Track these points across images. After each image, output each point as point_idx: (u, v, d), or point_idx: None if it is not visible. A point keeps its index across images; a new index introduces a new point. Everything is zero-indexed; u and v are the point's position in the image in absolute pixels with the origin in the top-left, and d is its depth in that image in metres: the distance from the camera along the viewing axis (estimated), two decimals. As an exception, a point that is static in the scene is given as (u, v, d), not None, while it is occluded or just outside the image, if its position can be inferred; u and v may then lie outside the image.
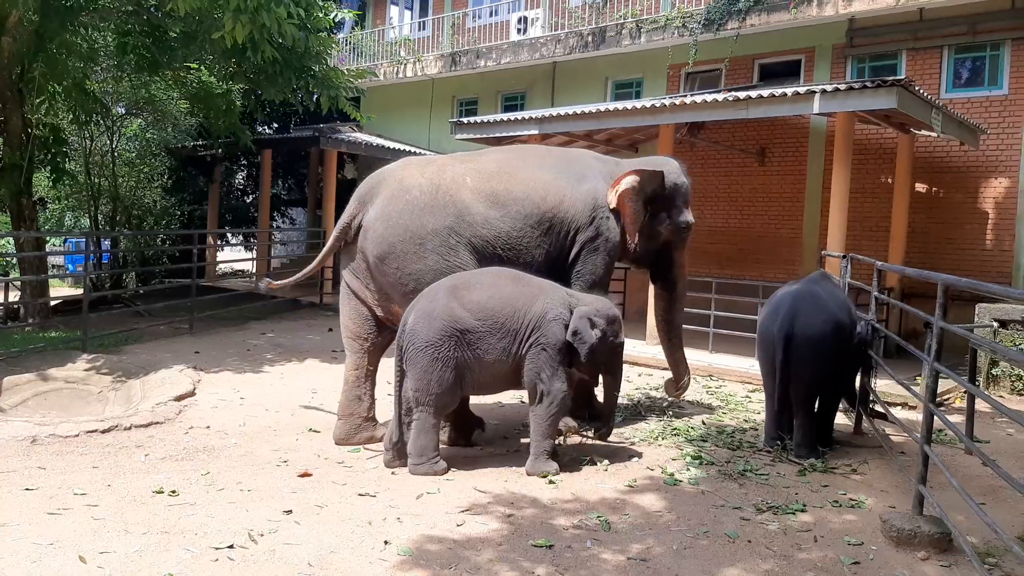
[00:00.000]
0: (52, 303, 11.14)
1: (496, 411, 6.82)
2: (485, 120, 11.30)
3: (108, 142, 14.37)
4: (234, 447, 5.60)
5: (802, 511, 4.51)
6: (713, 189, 12.20)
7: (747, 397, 7.64)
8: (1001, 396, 7.78)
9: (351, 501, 4.49)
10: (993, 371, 7.97)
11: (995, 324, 7.96)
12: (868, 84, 7.70)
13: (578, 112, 9.81)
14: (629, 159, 6.94)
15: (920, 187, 10.49)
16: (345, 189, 11.99)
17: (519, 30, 14.65)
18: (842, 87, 7.89)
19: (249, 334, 10.50)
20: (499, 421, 6.52)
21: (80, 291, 11.51)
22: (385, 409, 5.73)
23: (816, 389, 5.53)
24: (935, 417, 4.17)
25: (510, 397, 6.88)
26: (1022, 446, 6.20)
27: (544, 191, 5.77)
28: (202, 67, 12.02)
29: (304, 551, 3.76)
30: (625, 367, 6.11)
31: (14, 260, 14.14)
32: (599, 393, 6.01)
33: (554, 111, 10.29)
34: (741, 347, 9.01)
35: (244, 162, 18.89)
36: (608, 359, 5.30)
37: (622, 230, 6.08)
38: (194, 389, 7.16)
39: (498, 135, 11.00)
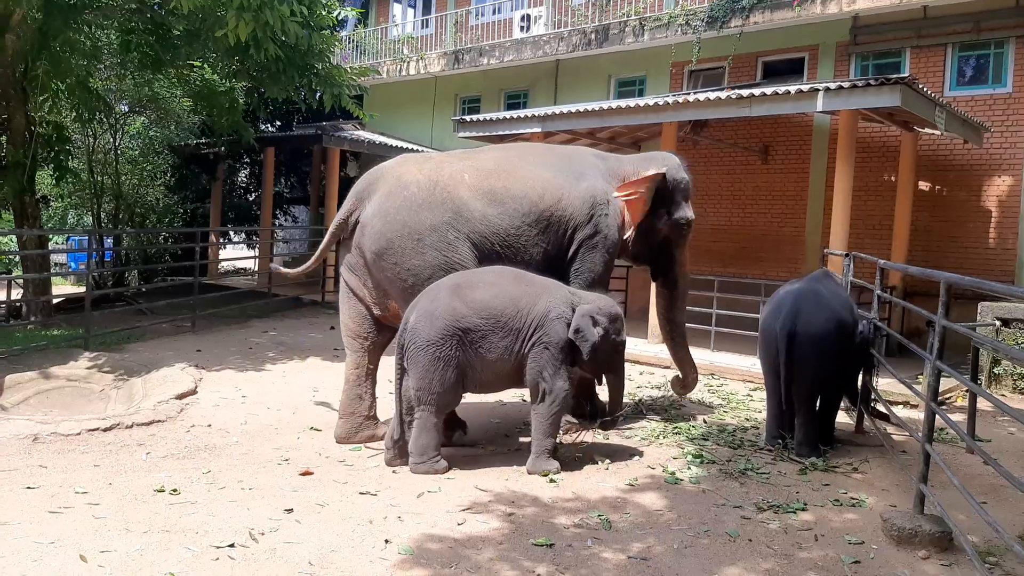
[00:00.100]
0: (54, 301, 11.14)
1: (497, 409, 6.82)
2: (488, 118, 11.30)
3: (111, 140, 14.40)
4: (235, 445, 5.60)
5: (803, 510, 4.50)
6: (716, 187, 12.19)
7: (749, 396, 7.63)
8: (1003, 395, 7.76)
9: (352, 500, 4.49)
10: (995, 370, 7.96)
11: (997, 323, 7.95)
12: (872, 82, 7.68)
13: (581, 110, 9.80)
14: (629, 155, 6.93)
15: (923, 185, 10.47)
16: (348, 187, 11.87)
17: (522, 28, 14.64)
18: (846, 85, 7.87)
19: (251, 332, 10.51)
20: (500, 419, 6.52)
21: (82, 289, 11.51)
22: (386, 408, 5.73)
23: (818, 388, 5.52)
24: (937, 416, 4.16)
25: (511, 396, 6.88)
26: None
27: (543, 189, 5.76)
28: (205, 65, 12.02)
29: (305, 550, 3.76)
30: (627, 366, 6.10)
31: (17, 258, 14.17)
32: (599, 392, 6.02)
33: (557, 109, 10.28)
34: (743, 345, 9.01)
35: (247, 160, 18.90)
36: (610, 357, 5.30)
37: (620, 228, 6.07)
38: (196, 387, 7.16)
39: (501, 133, 10.99)
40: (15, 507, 4.18)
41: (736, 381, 8.31)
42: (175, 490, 4.53)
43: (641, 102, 9.65)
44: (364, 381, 5.76)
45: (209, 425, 6.11)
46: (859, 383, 6.16)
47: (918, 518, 4.08)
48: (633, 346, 8.15)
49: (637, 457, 5.48)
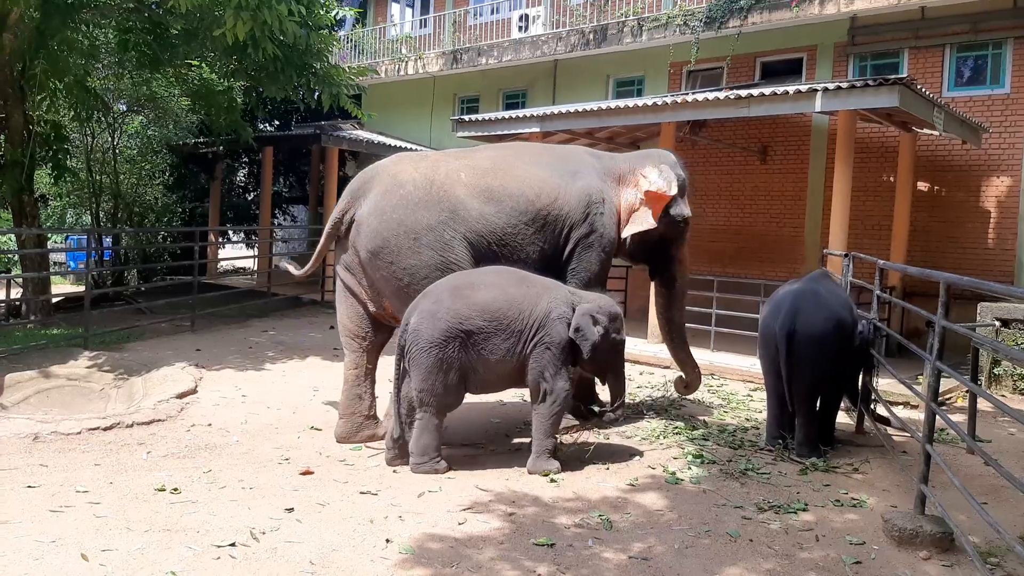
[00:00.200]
0: (54, 300, 11.13)
1: (497, 409, 6.82)
2: (486, 118, 11.30)
3: (109, 139, 14.36)
4: (236, 445, 5.60)
5: (804, 510, 4.51)
6: (715, 187, 12.19)
7: (749, 396, 7.63)
8: (1003, 395, 7.77)
9: (353, 499, 4.49)
10: (995, 370, 7.97)
11: (997, 323, 7.96)
12: (870, 82, 7.68)
13: (579, 110, 9.79)
14: (624, 153, 6.92)
15: (922, 186, 10.48)
16: (346, 187, 11.97)
17: (520, 28, 14.64)
18: (844, 85, 7.88)
19: (251, 331, 10.50)
20: (500, 419, 6.52)
21: (82, 288, 11.49)
22: (387, 407, 5.73)
23: (818, 388, 5.53)
24: (937, 416, 4.16)
25: (511, 396, 6.88)
26: (1024, 445, 6.21)
27: (539, 187, 5.76)
28: (203, 64, 12.01)
29: (306, 549, 3.76)
30: (627, 365, 6.11)
31: (16, 257, 14.14)
32: (600, 392, 6.03)
33: (555, 109, 10.28)
34: (742, 346, 9.01)
35: (245, 159, 18.88)
36: (610, 356, 5.30)
37: (617, 226, 6.08)
38: (196, 387, 7.16)
39: (499, 133, 10.99)
40: (16, 506, 4.18)
41: (736, 381, 8.31)
42: (176, 489, 4.53)
43: (640, 102, 9.65)
44: (363, 381, 5.76)
45: (209, 424, 6.11)
46: (859, 383, 6.16)
47: (919, 519, 4.08)
48: (633, 346, 8.15)
49: (638, 457, 5.48)
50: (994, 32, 9.97)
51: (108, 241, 15.32)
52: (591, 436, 5.74)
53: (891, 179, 10.46)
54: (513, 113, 11.17)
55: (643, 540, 4.02)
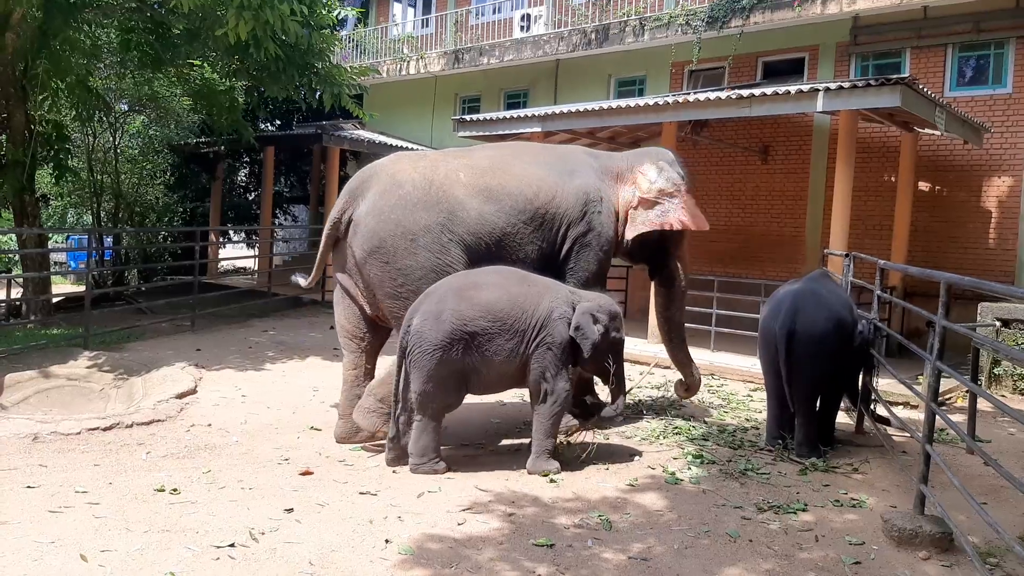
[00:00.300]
0: (54, 300, 11.14)
1: (497, 409, 6.82)
2: (488, 118, 11.30)
3: (111, 139, 14.38)
4: (235, 445, 5.60)
5: (803, 510, 4.50)
6: (716, 187, 12.18)
7: (748, 396, 7.63)
8: (1003, 395, 7.76)
9: (352, 500, 4.49)
10: (995, 370, 7.96)
11: (998, 323, 7.95)
12: (872, 82, 7.68)
13: (581, 110, 9.79)
14: (622, 152, 6.90)
15: (923, 186, 10.47)
16: (347, 186, 11.97)
17: (522, 27, 14.64)
18: (846, 85, 7.87)
19: (251, 331, 10.51)
20: (500, 419, 6.52)
21: (82, 288, 11.50)
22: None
23: (818, 388, 5.52)
24: (937, 416, 4.16)
25: (511, 396, 6.87)
26: (1024, 446, 6.20)
27: (537, 186, 5.75)
28: (205, 64, 12.02)
29: (305, 550, 3.76)
30: (627, 365, 6.10)
31: (16, 257, 14.16)
32: (600, 393, 6.02)
33: (557, 109, 10.27)
34: (743, 346, 9.00)
35: (247, 159, 18.89)
36: (610, 355, 5.29)
37: (615, 225, 6.07)
38: (196, 387, 7.16)
39: (501, 133, 10.98)
40: (15, 506, 4.18)
41: (736, 381, 8.31)
42: (175, 489, 4.53)
43: (641, 102, 9.65)
44: (363, 381, 5.73)
45: (209, 424, 6.11)
46: (859, 383, 6.15)
47: (919, 519, 4.08)
48: (633, 346, 8.15)
49: (637, 457, 5.48)
50: (996, 32, 9.96)
51: (109, 241, 15.34)
52: (591, 436, 5.73)
53: (892, 179, 10.45)
54: (514, 113, 11.17)
55: (643, 540, 4.01)
